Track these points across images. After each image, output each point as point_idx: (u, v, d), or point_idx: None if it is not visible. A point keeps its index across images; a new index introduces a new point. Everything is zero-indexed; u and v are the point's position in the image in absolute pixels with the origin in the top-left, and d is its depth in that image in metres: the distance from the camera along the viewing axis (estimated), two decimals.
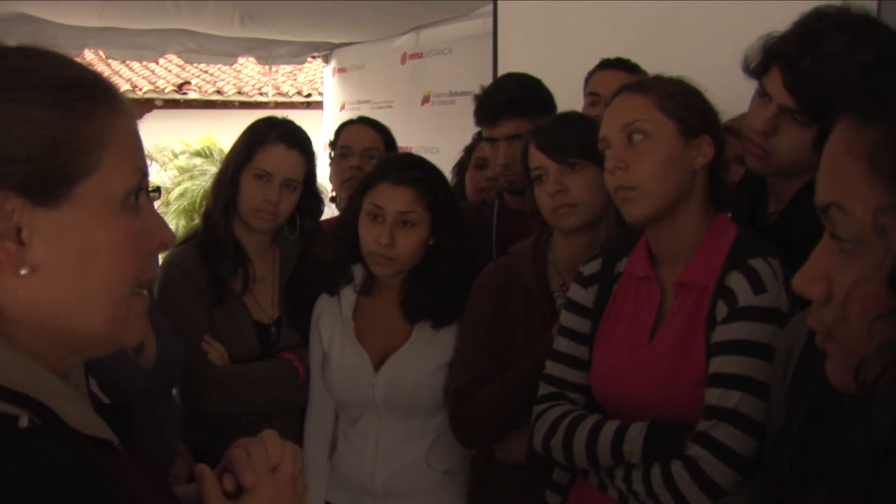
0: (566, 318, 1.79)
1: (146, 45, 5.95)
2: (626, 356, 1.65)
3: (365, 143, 2.83)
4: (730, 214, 1.68)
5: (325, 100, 7.66)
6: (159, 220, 0.92)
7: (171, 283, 2.28)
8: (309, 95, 11.63)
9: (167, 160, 10.78)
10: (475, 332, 2.03)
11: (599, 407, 1.72)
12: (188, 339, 2.19)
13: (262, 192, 2.27)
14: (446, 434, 2.07)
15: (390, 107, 6.23)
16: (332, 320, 2.20)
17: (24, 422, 0.73)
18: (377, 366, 2.10)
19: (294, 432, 2.32)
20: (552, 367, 1.78)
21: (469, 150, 3.02)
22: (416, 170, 2.07)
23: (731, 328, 1.50)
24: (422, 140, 5.22)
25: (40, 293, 0.79)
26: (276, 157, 2.28)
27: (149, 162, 2.26)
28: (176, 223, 8.56)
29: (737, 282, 1.52)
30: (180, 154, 10.41)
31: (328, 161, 2.96)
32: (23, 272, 0.77)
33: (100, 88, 0.84)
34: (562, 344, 1.78)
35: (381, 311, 2.16)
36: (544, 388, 1.77)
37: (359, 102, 6.71)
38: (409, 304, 2.12)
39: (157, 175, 10.12)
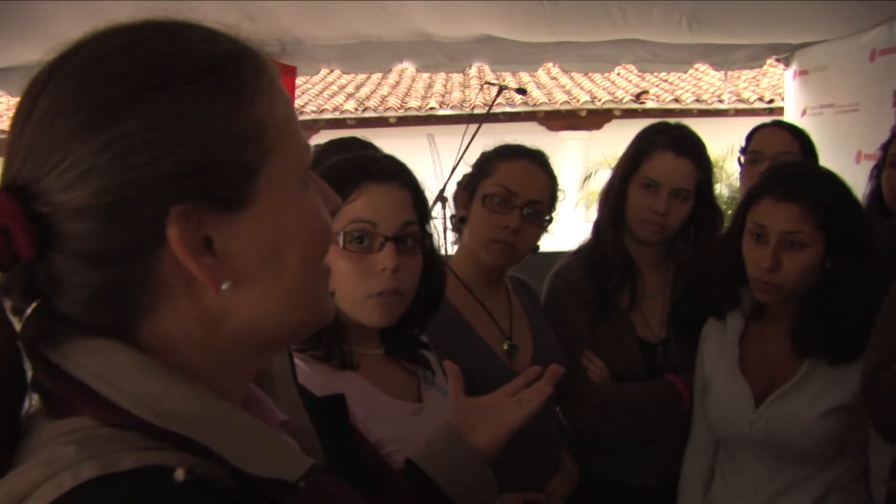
0: None
1: (599, 57, 6.05)
2: None
3: (777, 147, 2.57)
4: None
5: (785, 105, 7.14)
6: (323, 186, 0.78)
7: (556, 294, 2.24)
8: (771, 101, 10.94)
9: None
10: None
11: None
12: (568, 352, 2.13)
13: (649, 202, 2.14)
14: (840, 492, 1.76)
15: (856, 110, 5.63)
16: (717, 345, 2.00)
17: (179, 475, 0.61)
18: (759, 401, 1.86)
19: (674, 461, 2.15)
20: None
21: (885, 148, 2.63)
22: (804, 183, 1.79)
23: None
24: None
25: (244, 306, 0.69)
26: (663, 165, 2.13)
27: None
28: None
29: None
30: None
31: (739, 168, 2.72)
32: (224, 287, 0.67)
33: (250, 57, 0.70)
34: None
35: (770, 341, 1.91)
36: None
37: (821, 107, 6.15)
38: (799, 334, 1.84)
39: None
